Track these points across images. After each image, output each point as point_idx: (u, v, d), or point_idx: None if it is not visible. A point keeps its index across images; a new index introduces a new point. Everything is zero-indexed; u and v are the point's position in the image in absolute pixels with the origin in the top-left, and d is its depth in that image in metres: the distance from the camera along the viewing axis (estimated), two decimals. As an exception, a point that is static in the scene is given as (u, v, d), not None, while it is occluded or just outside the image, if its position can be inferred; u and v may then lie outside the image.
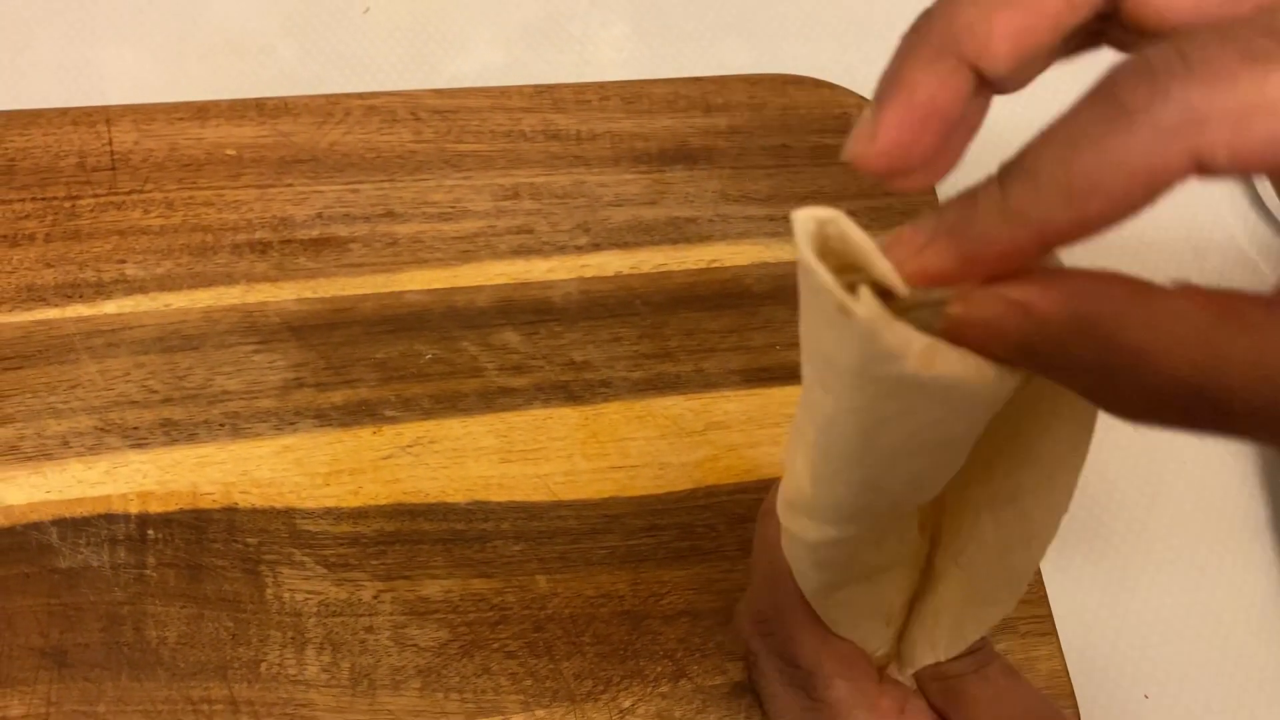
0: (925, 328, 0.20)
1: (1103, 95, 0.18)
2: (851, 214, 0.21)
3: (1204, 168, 0.18)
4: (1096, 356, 0.18)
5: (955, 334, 0.20)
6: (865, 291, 0.19)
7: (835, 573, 0.28)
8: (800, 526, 0.26)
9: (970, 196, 0.20)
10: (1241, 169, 0.18)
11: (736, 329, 0.43)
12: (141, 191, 0.43)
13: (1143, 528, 0.43)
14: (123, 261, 0.42)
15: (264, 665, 0.36)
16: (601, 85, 0.47)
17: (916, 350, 0.19)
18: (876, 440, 0.22)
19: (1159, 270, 0.48)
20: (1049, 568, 0.41)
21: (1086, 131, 0.18)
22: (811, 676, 0.31)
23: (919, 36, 0.22)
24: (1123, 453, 0.44)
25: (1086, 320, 0.18)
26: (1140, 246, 0.49)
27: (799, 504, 0.25)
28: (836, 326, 0.20)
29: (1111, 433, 0.45)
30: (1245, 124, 0.17)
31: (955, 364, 0.20)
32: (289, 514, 0.38)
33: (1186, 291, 0.18)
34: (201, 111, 0.45)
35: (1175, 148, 0.18)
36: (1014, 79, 0.22)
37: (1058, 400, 0.23)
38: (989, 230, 0.19)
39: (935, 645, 0.30)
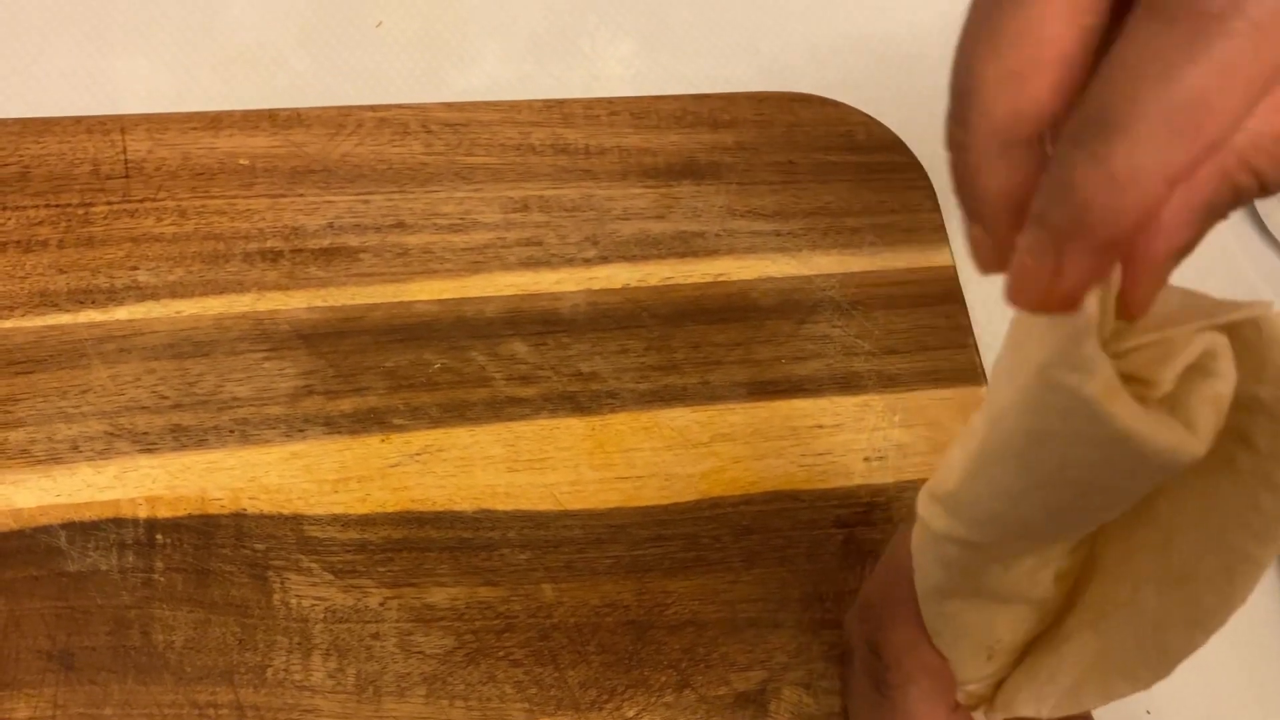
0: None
1: (1166, 14, 0.16)
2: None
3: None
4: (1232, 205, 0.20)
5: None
6: (1091, 300, 0.19)
7: (953, 577, 0.27)
8: (932, 514, 0.26)
9: (1059, 186, 0.18)
10: None
11: (742, 342, 0.44)
12: (154, 199, 0.43)
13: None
14: (135, 268, 0.42)
15: (270, 670, 0.37)
16: (610, 101, 0.48)
17: (1104, 377, 0.19)
18: (1035, 450, 0.21)
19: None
20: (1051, 583, 0.41)
21: (1168, 56, 0.16)
22: (889, 672, 0.30)
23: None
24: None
25: (1213, 211, 0.20)
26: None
27: (940, 493, 0.26)
28: (1048, 320, 0.19)
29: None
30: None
31: (1131, 414, 0.19)
32: (297, 520, 0.39)
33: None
34: (215, 121, 0.45)
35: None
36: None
37: (1257, 492, 0.23)
38: (1111, 207, 0.17)
39: (1042, 700, 0.29)
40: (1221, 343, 0.21)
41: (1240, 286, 0.50)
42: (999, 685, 0.31)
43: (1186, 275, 0.51)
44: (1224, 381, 0.21)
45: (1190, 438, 0.20)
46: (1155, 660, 0.27)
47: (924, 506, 0.27)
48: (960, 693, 0.31)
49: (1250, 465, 0.23)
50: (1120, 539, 0.27)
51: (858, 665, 0.33)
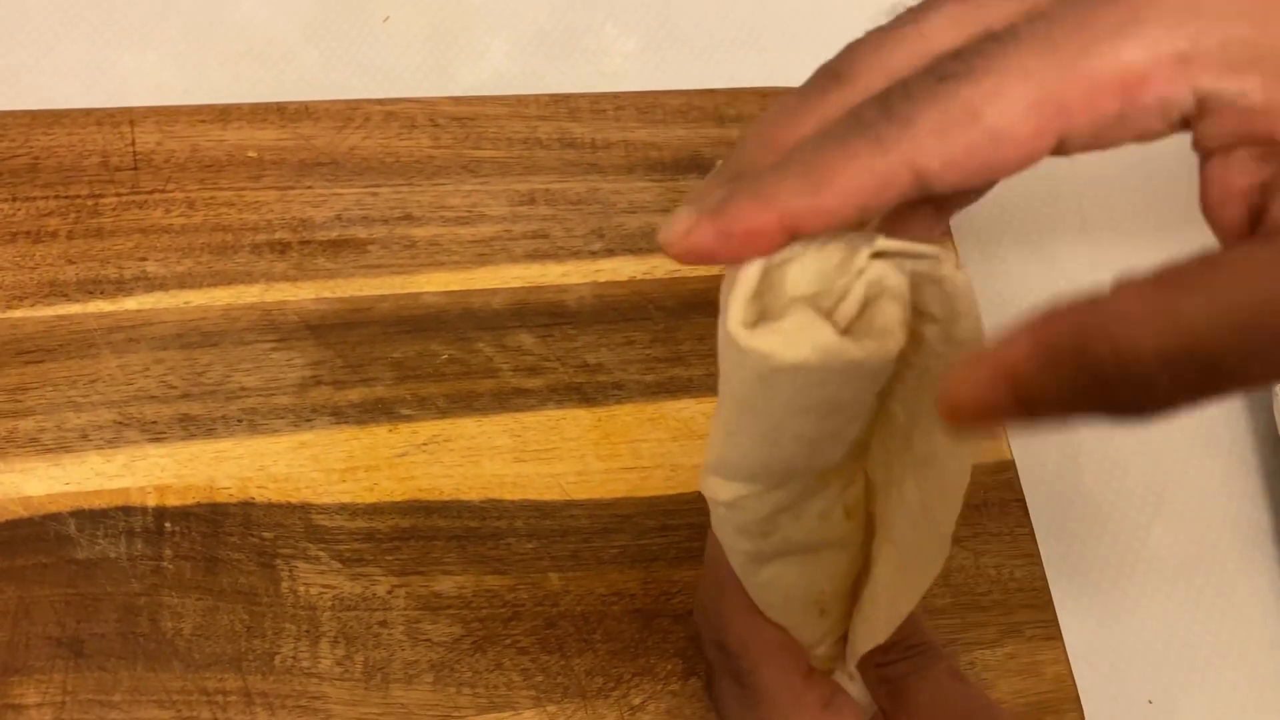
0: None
1: (852, 112, 0.22)
2: (859, 225, 0.23)
3: (922, 178, 0.22)
4: (1085, 379, 0.18)
5: (953, 417, 0.21)
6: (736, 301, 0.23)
7: (755, 542, 0.28)
8: (713, 489, 0.27)
9: (731, 176, 0.23)
10: (954, 180, 0.22)
11: (748, 335, 0.44)
12: (163, 191, 0.44)
13: (1147, 535, 0.44)
14: (144, 259, 0.42)
15: (278, 658, 0.37)
16: (616, 95, 0.48)
17: (738, 315, 0.23)
18: (757, 394, 0.24)
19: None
20: (1054, 573, 0.41)
21: (831, 133, 0.22)
22: (738, 661, 0.31)
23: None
24: (1126, 462, 0.45)
25: (1056, 354, 0.19)
26: (1145, 264, 0.50)
27: (712, 464, 0.27)
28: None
29: (1114, 442, 0.45)
30: (946, 135, 0.21)
31: (766, 342, 0.23)
32: (305, 509, 0.39)
33: (1124, 282, 0.19)
34: (223, 114, 0.45)
35: (894, 157, 0.21)
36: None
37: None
38: (741, 210, 0.22)
39: (874, 628, 0.29)
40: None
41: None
42: (846, 637, 0.31)
43: (1180, 255, 0.51)
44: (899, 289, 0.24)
45: (867, 343, 0.23)
46: (933, 541, 0.28)
47: (706, 487, 0.28)
48: (812, 659, 0.31)
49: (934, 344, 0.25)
50: (880, 456, 0.28)
51: (719, 670, 0.33)
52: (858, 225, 0.25)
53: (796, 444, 0.25)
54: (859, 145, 0.22)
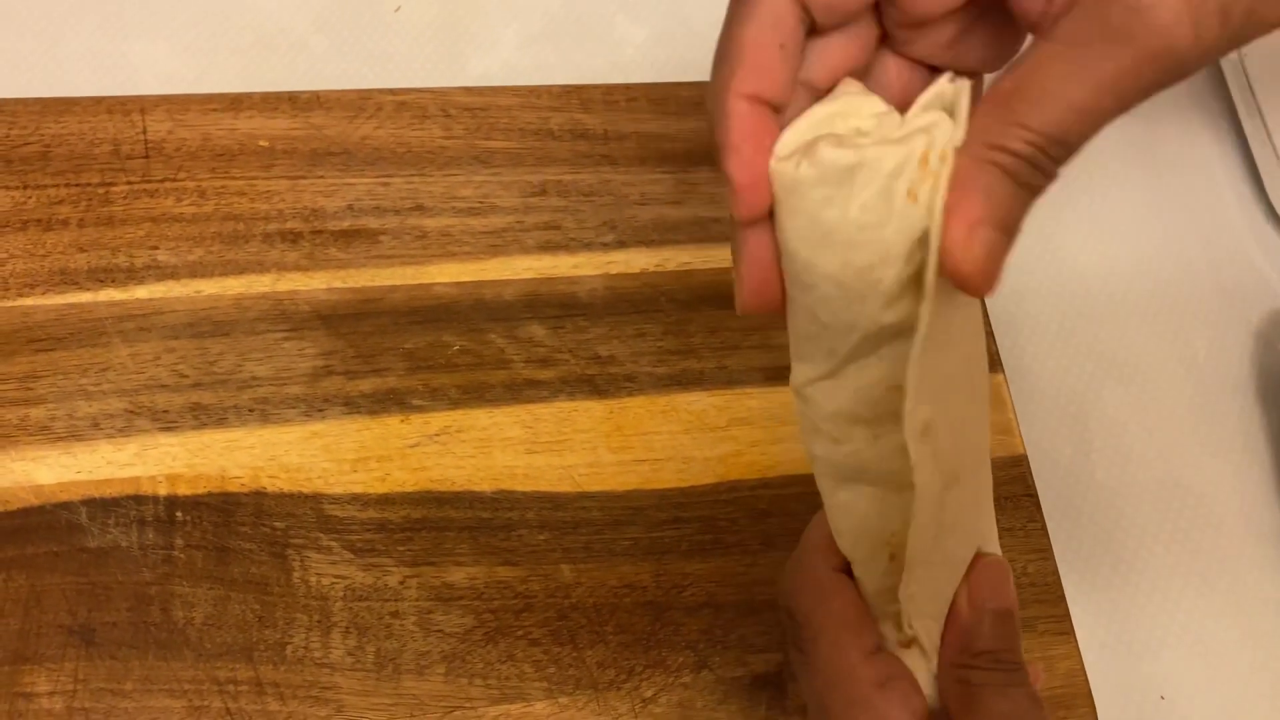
0: None
1: None
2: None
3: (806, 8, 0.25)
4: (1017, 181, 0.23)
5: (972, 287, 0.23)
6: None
7: (829, 448, 0.28)
8: (792, 378, 0.27)
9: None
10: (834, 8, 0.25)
11: (759, 328, 0.44)
12: (174, 180, 0.43)
13: (1159, 531, 0.44)
14: (155, 248, 0.42)
15: (290, 648, 0.37)
16: (629, 87, 0.48)
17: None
18: (789, 229, 0.24)
19: (1178, 287, 0.49)
20: (1066, 568, 0.41)
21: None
22: (802, 629, 0.31)
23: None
24: (1139, 458, 0.45)
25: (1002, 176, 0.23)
26: (1155, 259, 0.50)
27: (791, 354, 0.27)
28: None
29: (1127, 438, 0.45)
30: None
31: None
32: (316, 499, 0.39)
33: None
34: (235, 103, 0.45)
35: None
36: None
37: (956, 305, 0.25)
38: (720, 108, 0.25)
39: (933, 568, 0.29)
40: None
41: (1249, 273, 0.50)
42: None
43: (1199, 267, 0.51)
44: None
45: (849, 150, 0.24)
46: (976, 453, 0.29)
47: (793, 382, 0.28)
48: (877, 611, 0.31)
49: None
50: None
51: (789, 640, 0.33)
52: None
53: (828, 286, 0.24)
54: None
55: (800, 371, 0.27)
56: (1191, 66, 0.23)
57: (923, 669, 0.32)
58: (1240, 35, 0.23)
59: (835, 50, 0.26)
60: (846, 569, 0.30)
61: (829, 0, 0.25)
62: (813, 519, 0.31)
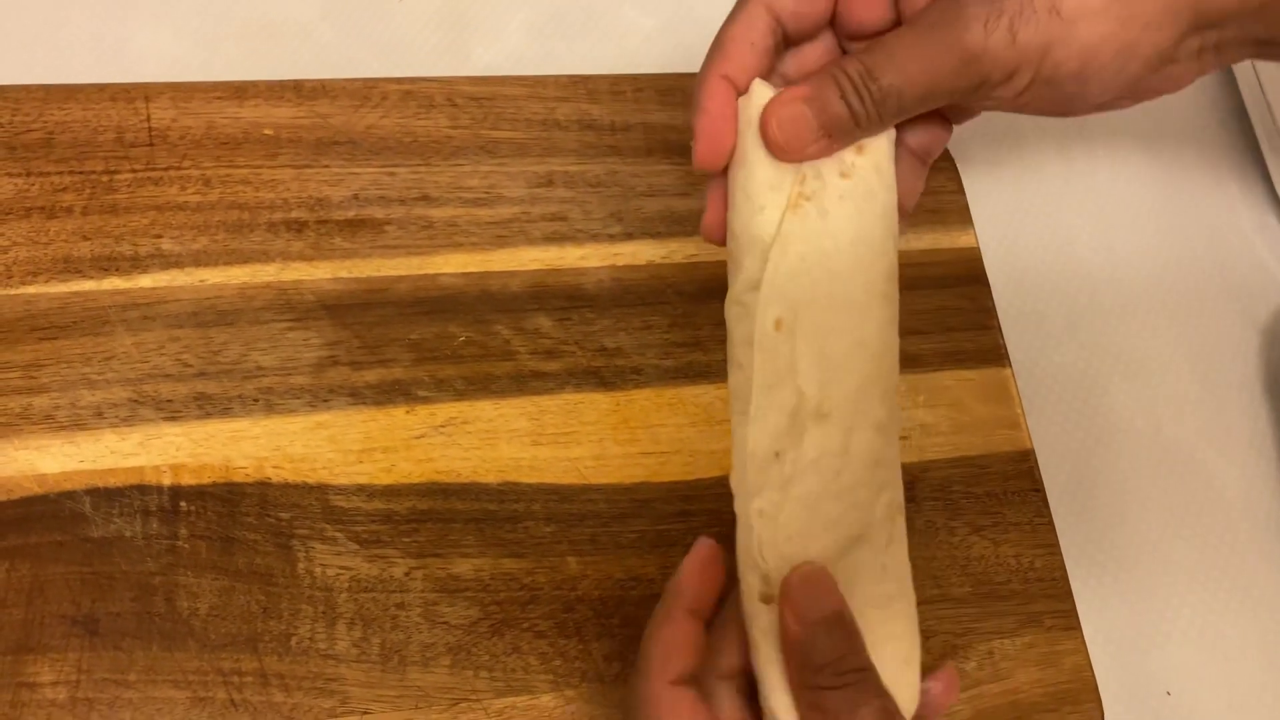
0: None
1: None
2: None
3: (779, 20, 0.32)
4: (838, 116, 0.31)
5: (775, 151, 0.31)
6: None
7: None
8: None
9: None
10: (802, 22, 0.32)
11: (767, 320, 0.44)
12: (179, 168, 0.43)
13: (1166, 526, 0.44)
14: (159, 236, 0.42)
15: (295, 639, 0.36)
16: (635, 77, 0.48)
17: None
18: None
19: (1185, 283, 0.49)
20: (1073, 564, 0.41)
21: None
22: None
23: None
24: (1146, 454, 0.45)
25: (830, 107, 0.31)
26: (1163, 254, 0.50)
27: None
28: None
29: (1134, 434, 0.45)
30: None
31: None
32: (322, 490, 0.39)
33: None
34: (239, 91, 0.45)
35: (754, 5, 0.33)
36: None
37: None
38: (702, 93, 0.32)
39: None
40: None
41: (1257, 270, 0.50)
42: None
43: (1205, 263, 0.50)
44: None
45: None
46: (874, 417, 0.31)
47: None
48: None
49: None
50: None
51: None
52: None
53: (739, 197, 0.32)
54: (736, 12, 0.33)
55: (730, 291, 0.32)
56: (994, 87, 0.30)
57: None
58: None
59: (806, 55, 0.33)
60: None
61: (795, 13, 0.32)
62: (649, 631, 0.32)
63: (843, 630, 0.29)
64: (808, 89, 0.31)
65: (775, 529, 0.30)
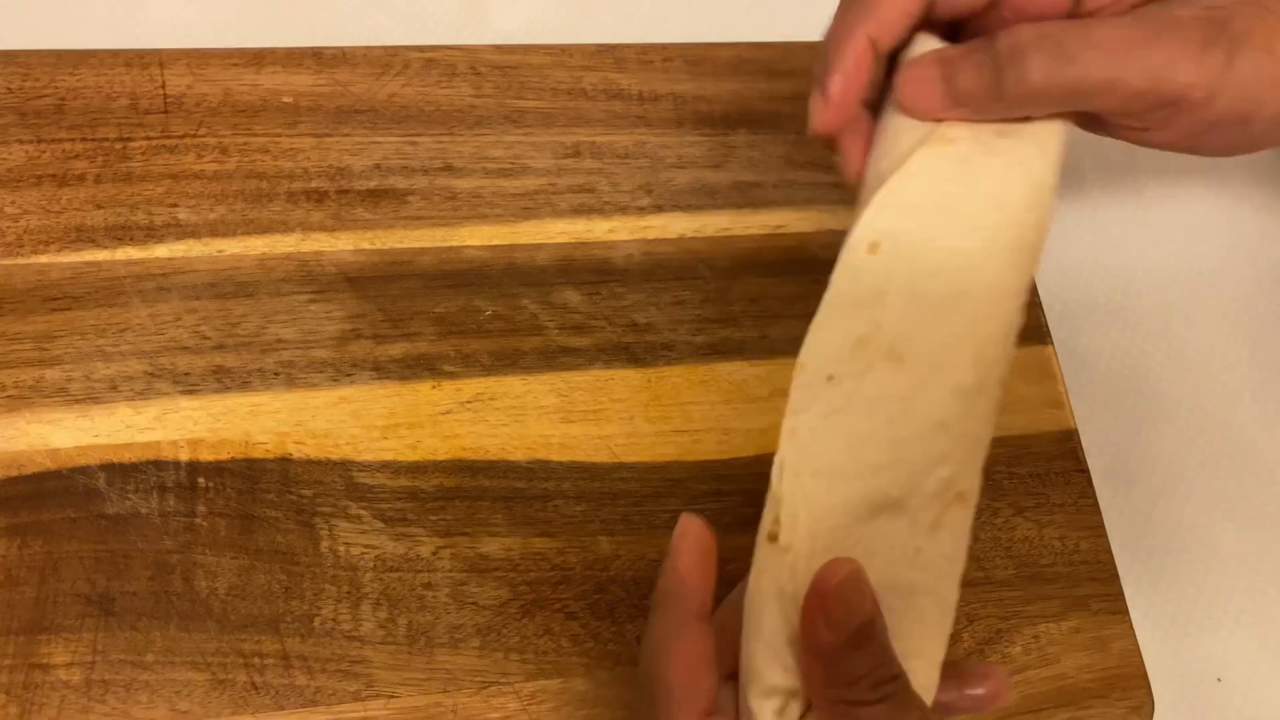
0: None
1: None
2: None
3: None
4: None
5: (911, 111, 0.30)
6: None
7: None
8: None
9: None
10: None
11: (802, 296, 0.42)
12: (195, 136, 0.42)
13: (1215, 509, 0.42)
14: (175, 205, 0.40)
15: (318, 620, 0.35)
16: (664, 47, 0.46)
17: None
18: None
19: (1235, 263, 0.48)
20: (1119, 547, 0.40)
21: None
22: (646, 688, 0.28)
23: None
24: (1193, 433, 0.44)
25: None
26: (1211, 237, 0.48)
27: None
28: None
29: (1181, 413, 0.44)
30: None
31: None
32: (345, 466, 0.37)
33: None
34: (257, 58, 0.43)
35: None
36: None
37: None
38: (835, 52, 0.31)
39: None
40: None
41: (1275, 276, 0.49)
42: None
43: (1252, 235, 0.49)
44: None
45: None
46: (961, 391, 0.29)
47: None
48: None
49: None
50: None
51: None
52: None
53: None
54: None
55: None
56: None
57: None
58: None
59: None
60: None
61: None
62: (657, 647, 0.28)
63: (875, 637, 0.26)
64: (950, 54, 0.30)
65: (803, 457, 0.27)
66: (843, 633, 0.26)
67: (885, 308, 0.28)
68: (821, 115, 0.31)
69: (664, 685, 0.28)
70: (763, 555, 0.28)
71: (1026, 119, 0.30)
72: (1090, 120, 0.31)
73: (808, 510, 0.27)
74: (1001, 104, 0.29)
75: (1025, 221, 0.29)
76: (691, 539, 0.29)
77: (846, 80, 0.30)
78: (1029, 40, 0.28)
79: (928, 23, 0.31)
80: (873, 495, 0.28)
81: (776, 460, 0.28)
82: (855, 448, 0.28)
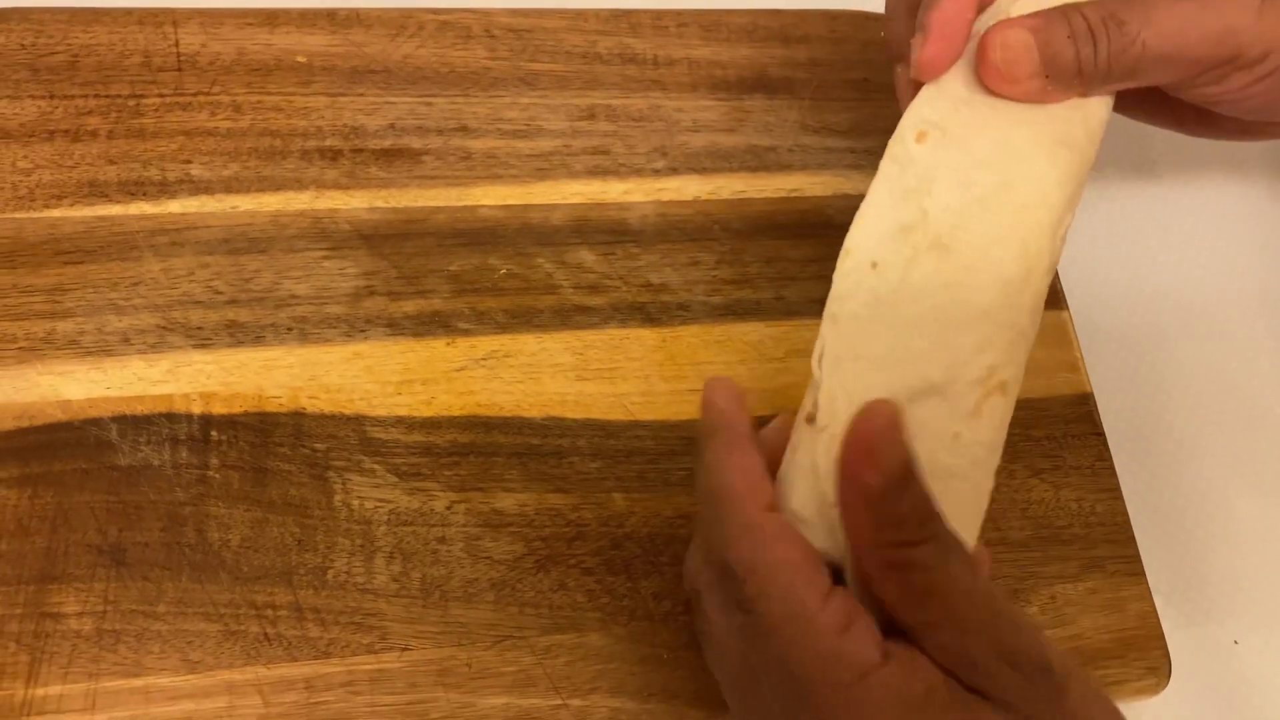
0: None
1: None
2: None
3: None
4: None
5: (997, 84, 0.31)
6: None
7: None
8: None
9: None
10: None
11: (817, 258, 0.42)
12: (208, 94, 0.41)
13: (1231, 474, 0.42)
14: (188, 162, 0.40)
15: (331, 572, 0.35)
16: (679, 12, 0.46)
17: None
18: None
19: (1218, 250, 0.47)
20: (1135, 509, 0.40)
21: None
22: (743, 585, 0.27)
23: None
24: (1209, 395, 0.43)
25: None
26: (1197, 232, 0.48)
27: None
28: None
29: (1197, 375, 0.44)
30: None
31: None
32: (359, 421, 0.37)
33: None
34: (271, 18, 0.43)
35: None
36: None
37: None
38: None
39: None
40: None
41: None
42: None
43: (1251, 253, 0.48)
44: None
45: None
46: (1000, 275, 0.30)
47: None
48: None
49: None
50: None
51: (716, 604, 0.29)
52: None
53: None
54: None
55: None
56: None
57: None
58: None
59: None
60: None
61: None
62: (713, 466, 0.29)
63: (918, 475, 0.26)
64: (1038, 19, 0.30)
65: (844, 343, 0.27)
66: (889, 473, 0.26)
67: (932, 196, 0.28)
68: (923, 56, 0.31)
69: (727, 488, 0.28)
70: (798, 434, 0.28)
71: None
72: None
73: (845, 394, 0.28)
74: (1094, 73, 0.30)
75: (1071, 119, 0.30)
76: (722, 385, 0.30)
77: (947, 20, 0.31)
78: (1110, 11, 0.30)
79: None
80: (913, 380, 0.27)
81: (817, 346, 0.28)
82: (898, 334, 0.28)
